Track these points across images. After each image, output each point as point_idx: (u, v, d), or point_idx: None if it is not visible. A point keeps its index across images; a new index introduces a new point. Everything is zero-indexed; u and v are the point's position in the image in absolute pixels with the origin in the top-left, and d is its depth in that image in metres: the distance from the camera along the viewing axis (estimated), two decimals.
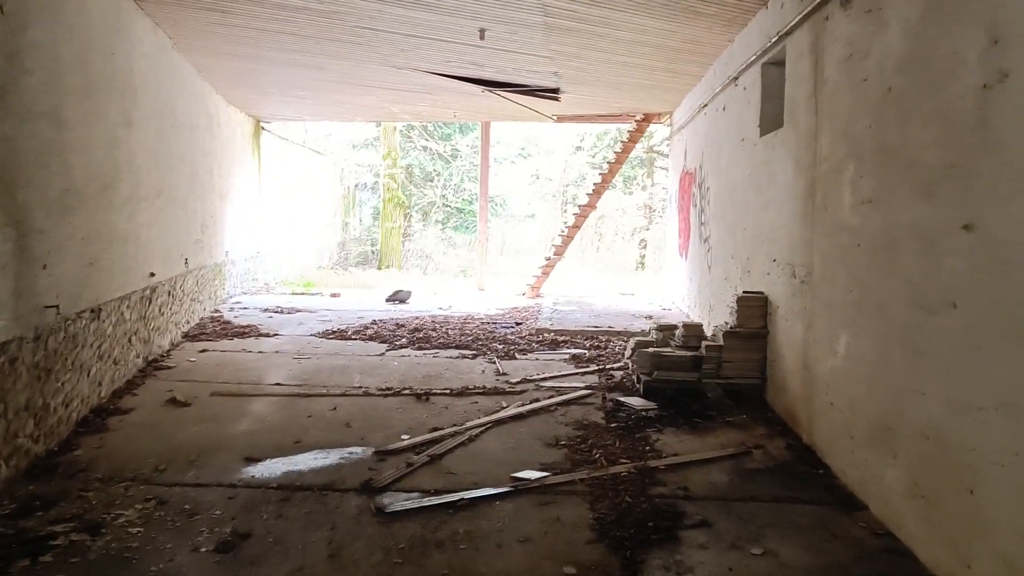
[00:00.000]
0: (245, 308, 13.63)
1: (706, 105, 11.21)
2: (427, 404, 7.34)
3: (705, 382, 7.52)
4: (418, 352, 9.90)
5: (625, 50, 9.69)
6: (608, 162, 16.18)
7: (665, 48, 9.65)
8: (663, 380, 7.52)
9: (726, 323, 8.18)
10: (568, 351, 10.02)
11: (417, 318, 12.67)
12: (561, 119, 16.26)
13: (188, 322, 10.91)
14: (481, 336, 10.92)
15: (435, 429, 6.45)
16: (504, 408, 7.14)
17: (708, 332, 8.54)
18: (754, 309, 7.53)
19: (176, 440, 6.07)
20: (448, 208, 25.59)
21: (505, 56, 10.29)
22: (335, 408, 7.10)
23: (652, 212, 27.99)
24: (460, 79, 11.81)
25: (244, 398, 7.43)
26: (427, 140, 24.61)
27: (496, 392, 7.77)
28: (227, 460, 5.64)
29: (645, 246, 29.21)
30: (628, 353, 8.42)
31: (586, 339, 10.73)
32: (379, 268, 23.09)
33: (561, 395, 7.66)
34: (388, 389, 7.82)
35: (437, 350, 10.06)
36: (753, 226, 8.15)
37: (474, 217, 27.43)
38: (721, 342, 7.56)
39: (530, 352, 9.97)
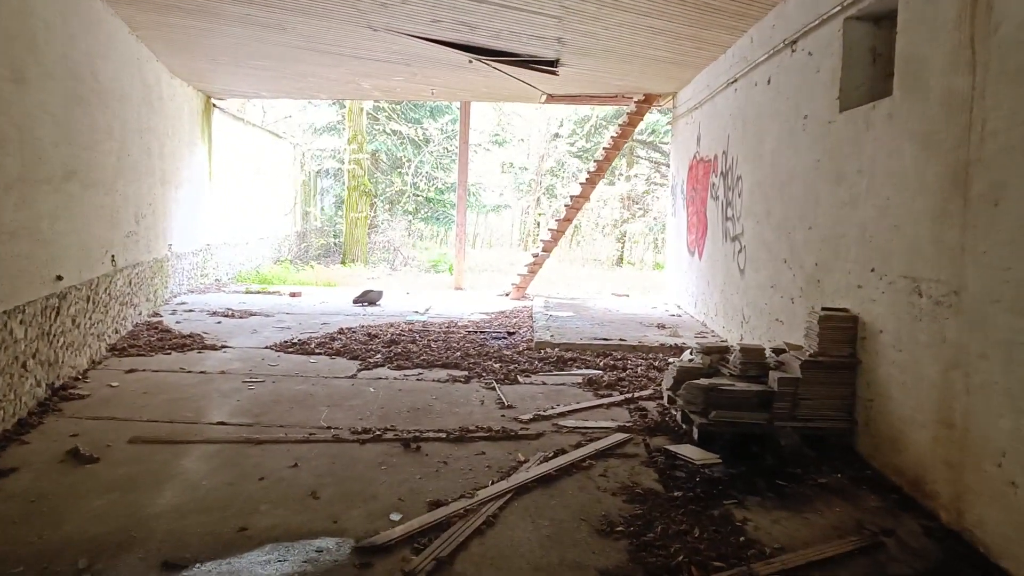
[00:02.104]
0: (190, 311, 11.72)
1: (736, 80, 9.51)
2: (418, 455, 5.56)
3: (777, 425, 5.83)
4: (397, 373, 8.10)
5: (655, 8, 7.94)
6: (604, 148, 14.46)
7: (702, 6, 7.93)
8: (723, 422, 5.82)
9: (788, 345, 6.51)
10: (579, 372, 8.28)
11: (392, 325, 10.84)
12: (551, 99, 14.50)
13: (116, 331, 8.99)
14: (471, 351, 9.14)
15: (436, 503, 4.66)
16: (523, 464, 5.38)
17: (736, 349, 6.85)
18: (840, 332, 5.85)
19: (64, 530, 4.22)
20: (418, 197, 23.73)
21: (506, 15, 8.49)
22: (296, 464, 5.29)
23: (633, 205, 26.39)
24: (447, 45, 9.99)
25: (174, 446, 5.59)
26: (396, 123, 22.71)
27: (506, 436, 6.01)
28: (134, 570, 3.81)
29: (624, 240, 27.63)
30: (668, 383, 6.72)
31: (597, 356, 9.00)
32: (343, 263, 21.19)
33: (590, 440, 5.92)
34: (366, 431, 6.02)
35: (420, 369, 8.27)
36: (827, 225, 6.47)
37: (445, 207, 25.60)
38: (796, 373, 5.87)
39: (534, 373, 8.22)
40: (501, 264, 21.92)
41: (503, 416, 6.57)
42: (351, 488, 4.89)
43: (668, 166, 27.07)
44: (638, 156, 27.09)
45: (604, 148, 14.46)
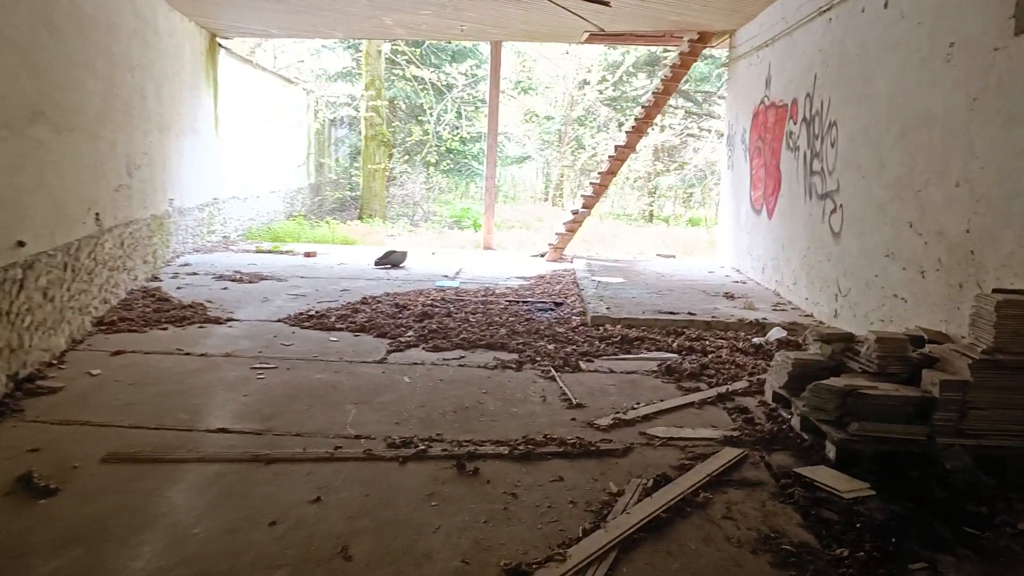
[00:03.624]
0: (194, 274, 10.44)
1: (831, 7, 8.00)
2: (477, 482, 4.26)
3: (940, 442, 4.49)
4: (435, 355, 6.80)
5: None
6: (654, 92, 12.95)
7: None
8: (868, 438, 4.49)
9: (925, 332, 5.18)
10: (650, 356, 6.95)
11: (421, 293, 9.51)
12: (593, 39, 13.00)
13: (105, 302, 7.71)
14: (517, 327, 7.81)
15: (515, 570, 3.36)
16: (617, 497, 4.07)
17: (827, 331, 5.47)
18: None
19: None
20: (440, 148, 22.27)
21: None
22: (319, 498, 3.99)
23: (666, 156, 24.83)
24: None
25: (162, 467, 4.31)
26: (416, 68, 21.15)
27: (585, 451, 4.69)
28: None
29: (656, 195, 26.11)
30: (778, 379, 5.38)
31: (667, 335, 7.66)
32: (360, 218, 19.83)
33: (694, 458, 4.61)
34: (405, 443, 4.71)
35: (462, 351, 6.96)
36: (991, 181, 5.06)
37: (467, 159, 24.14)
38: (963, 373, 4.52)
39: (596, 356, 6.90)
40: (528, 220, 20.52)
41: (574, 420, 5.26)
42: (394, 539, 3.60)
43: (703, 116, 25.55)
44: (670, 105, 25.45)
45: (653, 92, 12.97)
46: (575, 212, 13.20)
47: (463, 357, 6.77)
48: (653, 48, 24.04)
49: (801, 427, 5.02)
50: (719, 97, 24.66)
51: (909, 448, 4.49)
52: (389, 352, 6.86)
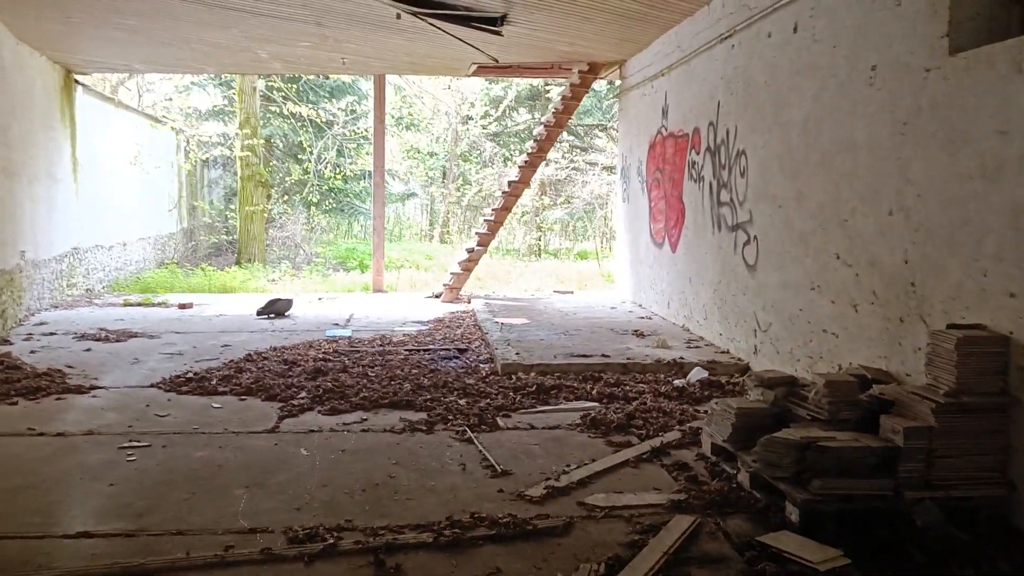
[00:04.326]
0: (51, 334, 9.35)
1: (732, 34, 7.78)
2: None
3: (909, 496, 4.10)
4: (333, 419, 6.07)
5: None
6: (545, 125, 12.59)
7: None
8: (833, 495, 4.05)
9: (867, 370, 4.86)
10: (571, 407, 6.42)
11: (311, 346, 8.73)
12: (480, 71, 12.60)
13: None
14: (422, 379, 7.16)
15: None
16: None
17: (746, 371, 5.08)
18: (987, 360, 4.15)
19: None
20: (321, 187, 21.37)
21: None
22: None
23: (552, 191, 24.64)
24: None
25: None
26: (294, 104, 20.26)
27: (521, 532, 4.07)
28: None
29: (543, 229, 25.87)
30: (720, 431, 4.91)
31: (584, 380, 7.15)
32: (238, 263, 18.72)
33: (643, 531, 4.06)
34: (310, 536, 3.98)
35: (363, 412, 6.25)
36: (931, 209, 4.77)
37: (351, 198, 23.34)
38: (924, 418, 4.14)
39: (513, 411, 6.32)
40: (417, 258, 19.84)
41: (501, 492, 4.63)
42: None
43: (588, 150, 25.55)
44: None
45: (545, 125, 12.60)
46: (470, 250, 12.65)
47: (365, 420, 6.06)
48: (535, 82, 23.97)
49: (751, 484, 4.56)
50: (600, 129, 24.77)
51: (875, 504, 4.08)
52: (281, 418, 6.09)
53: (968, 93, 4.45)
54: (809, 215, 6.29)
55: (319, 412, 6.24)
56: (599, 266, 18.65)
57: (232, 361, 7.92)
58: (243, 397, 6.69)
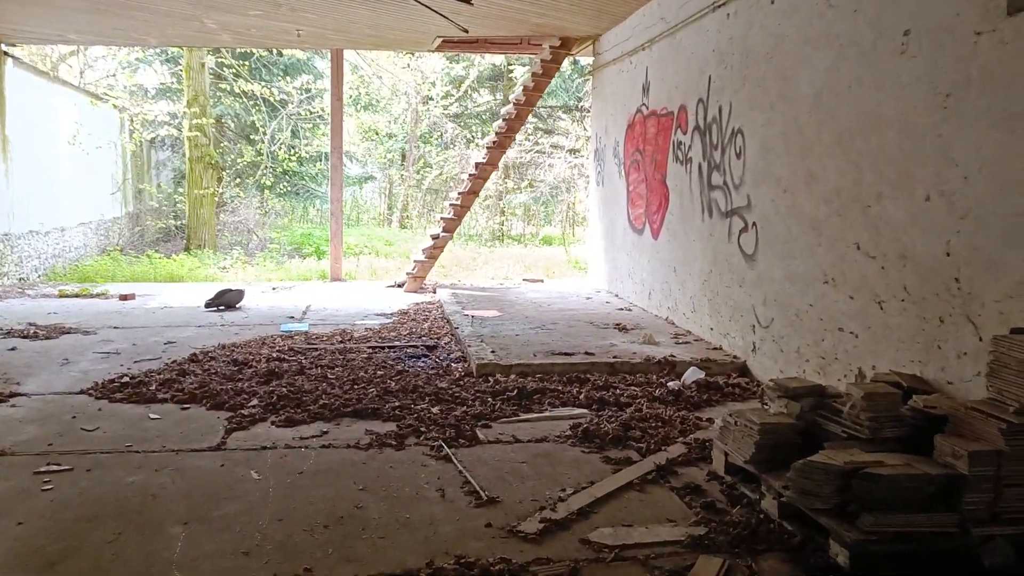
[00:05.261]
0: None
1: (725, 2, 7.11)
2: None
3: (976, 534, 3.47)
4: (289, 432, 5.31)
5: None
6: (515, 103, 11.84)
7: None
8: (888, 533, 3.41)
9: (900, 376, 4.27)
10: (558, 414, 5.73)
11: (264, 343, 7.94)
12: (445, 45, 11.80)
13: None
14: (389, 382, 6.42)
15: None
16: None
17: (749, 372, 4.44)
18: None
19: None
20: (275, 170, 20.39)
21: None
22: None
23: (516, 174, 23.90)
24: None
25: None
26: (246, 82, 19.22)
27: None
28: None
29: (506, 214, 25.11)
30: (740, 450, 4.25)
31: (569, 382, 6.46)
32: (187, 250, 17.73)
33: (656, 572, 3.40)
34: None
35: (323, 423, 5.51)
36: (985, 194, 4.14)
37: (306, 181, 22.37)
38: (993, 441, 3.52)
39: (493, 420, 5.61)
40: (377, 244, 19.00)
41: (489, 527, 3.93)
42: None
43: (552, 132, 24.80)
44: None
45: (515, 104, 11.85)
46: (435, 237, 11.89)
47: (326, 433, 5.31)
48: (498, 62, 23.18)
49: (781, 514, 3.91)
50: (564, 111, 24.04)
51: (938, 544, 3.44)
52: (229, 431, 5.31)
53: None
54: (822, 200, 5.65)
55: (273, 423, 5.48)
56: (566, 253, 17.99)
57: (175, 362, 7.11)
58: (186, 405, 5.89)
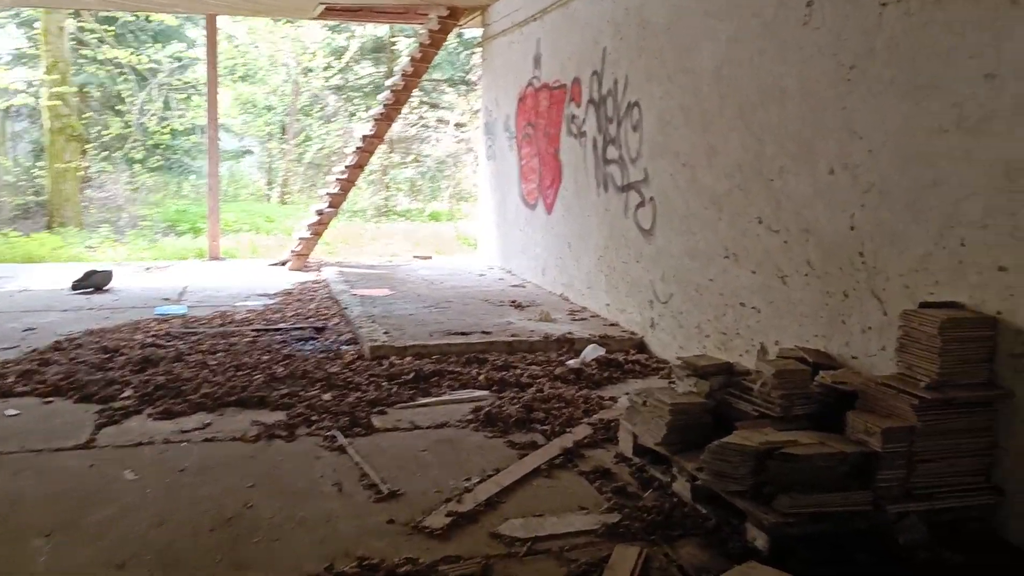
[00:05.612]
0: None
1: None
2: None
3: (891, 511, 3.44)
4: (168, 425, 4.90)
5: None
6: (403, 74, 11.44)
7: None
8: (805, 516, 3.34)
9: (805, 352, 4.25)
10: (457, 397, 5.50)
11: (138, 327, 7.38)
12: (328, 13, 11.32)
13: None
14: (276, 367, 6.03)
15: None
16: None
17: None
18: (971, 346, 3.53)
19: None
20: (146, 143, 19.25)
21: None
22: None
23: (401, 148, 23.39)
24: None
25: None
26: (111, 49, 18.01)
27: None
28: None
29: (391, 189, 24.57)
30: (649, 431, 4.11)
31: (467, 363, 6.23)
32: (49, 228, 16.56)
33: (579, 572, 3.21)
34: None
35: (205, 413, 5.11)
36: (889, 167, 4.11)
37: (180, 155, 21.28)
38: (905, 417, 3.48)
39: (389, 405, 5.33)
40: (256, 221, 18.21)
41: (392, 523, 3.66)
42: None
43: (435, 106, 24.36)
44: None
45: (402, 75, 11.45)
46: (320, 212, 11.41)
47: (209, 425, 4.92)
48: (380, 33, 22.56)
49: (694, 497, 3.81)
50: (449, 84, 23.64)
51: (854, 523, 3.39)
52: (99, 427, 4.85)
53: (941, 30, 3.78)
54: (724, 174, 5.58)
55: (149, 416, 5.04)
56: (455, 229, 17.70)
57: (36, 350, 6.50)
58: (49, 399, 5.36)
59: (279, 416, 5.04)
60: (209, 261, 12.27)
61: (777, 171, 4.99)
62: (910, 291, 3.98)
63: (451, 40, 19.57)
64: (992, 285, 3.54)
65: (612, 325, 7.35)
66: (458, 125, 22.14)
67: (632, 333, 6.97)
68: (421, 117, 22.68)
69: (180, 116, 20.77)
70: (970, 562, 3.33)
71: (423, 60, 11.40)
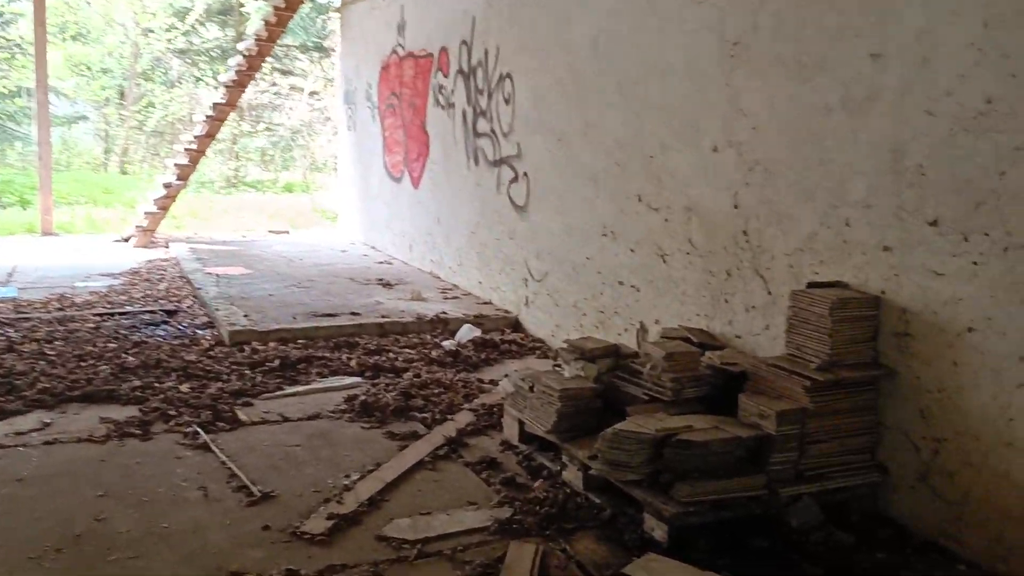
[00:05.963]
0: None
1: None
2: None
3: (784, 494, 3.42)
4: (1, 428, 4.36)
5: None
6: (256, 38, 10.79)
7: None
8: (704, 504, 3.27)
9: (689, 332, 4.23)
10: (328, 384, 5.19)
11: None
12: None
13: None
14: (125, 356, 5.53)
15: None
16: None
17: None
18: (858, 326, 3.54)
19: None
20: None
21: None
22: None
23: (252, 116, 22.36)
24: None
25: None
26: None
27: None
28: None
29: (241, 159, 23.47)
30: (539, 419, 3.94)
31: (337, 348, 5.91)
32: None
33: (473, 574, 3.03)
34: None
35: (45, 412, 4.59)
36: (773, 146, 4.09)
37: (3, 119, 19.55)
38: (803, 400, 3.46)
39: (255, 395, 4.96)
40: (93, 193, 16.94)
41: (267, 529, 3.36)
42: None
43: (288, 73, 23.37)
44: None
45: (255, 38, 10.80)
46: (168, 185, 10.66)
47: (49, 425, 4.42)
48: None
49: (585, 486, 3.69)
50: (302, 51, 22.72)
51: (750, 509, 3.35)
52: None
53: (827, 8, 3.75)
54: (602, 150, 5.46)
55: None
56: (312, 201, 17.06)
57: None
58: None
59: (132, 412, 4.59)
60: (42, 237, 11.27)
61: (658, 148, 4.91)
62: (795, 271, 3.98)
63: (304, 4, 18.78)
64: (876, 265, 3.56)
65: (486, 304, 7.17)
66: (312, 93, 21.34)
67: (507, 312, 6.82)
68: (273, 83, 21.71)
69: (3, 77, 19.05)
70: (860, 543, 3.35)
71: (278, 24, 10.77)
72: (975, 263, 3.17)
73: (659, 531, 3.25)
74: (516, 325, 6.67)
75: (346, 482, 3.79)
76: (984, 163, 3.12)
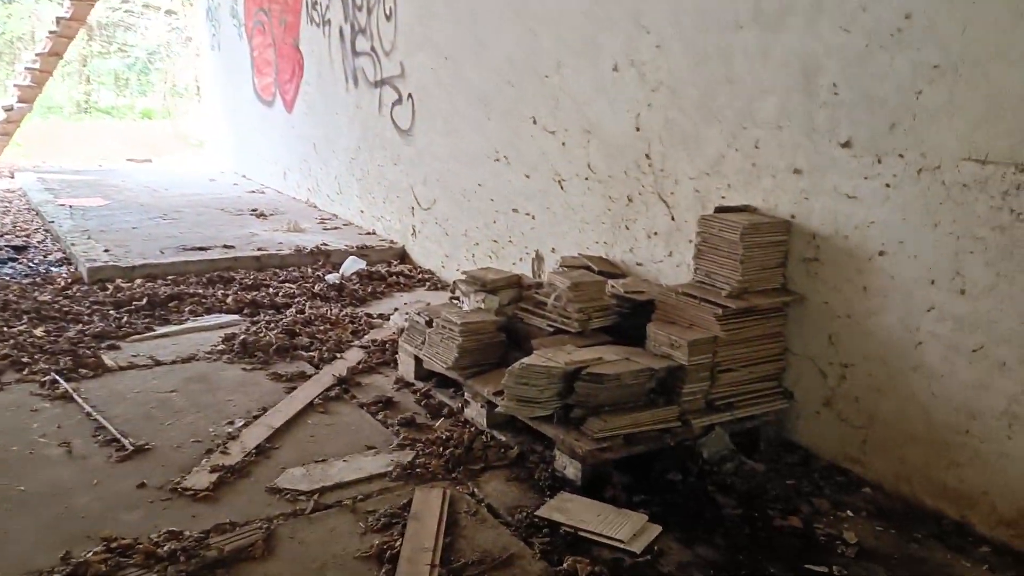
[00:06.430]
0: None
1: None
2: None
3: (696, 425, 3.32)
4: None
5: None
6: None
7: None
8: (619, 436, 3.14)
9: (590, 260, 4.12)
10: (204, 323, 4.80)
11: None
12: None
13: None
14: None
15: None
16: None
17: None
18: (768, 252, 3.45)
19: None
20: None
21: None
22: None
23: (103, 36, 20.71)
24: None
25: None
26: None
27: (200, 565, 2.57)
28: None
29: (90, 83, 21.79)
30: (439, 354, 3.71)
31: (211, 284, 5.49)
32: None
33: (378, 526, 2.81)
34: None
35: None
36: (683, 65, 3.90)
37: None
38: (714, 328, 3.35)
39: (122, 337, 4.53)
40: None
41: (143, 487, 3.03)
42: None
43: None
44: None
45: None
46: (9, 109, 9.70)
47: None
48: None
49: (489, 423, 3.50)
50: None
51: (664, 441, 3.24)
52: None
53: None
54: (493, 70, 5.17)
55: None
56: (173, 128, 16.02)
57: None
58: None
59: None
60: None
61: (554, 67, 4.66)
62: (700, 195, 3.84)
63: None
64: (786, 188, 3.46)
65: (369, 234, 6.84)
66: (169, 12, 19.90)
67: (392, 242, 6.52)
68: (125, 1, 20.10)
69: None
70: (770, 471, 3.30)
71: None
72: (888, 185, 3.09)
73: (572, 469, 3.11)
74: (403, 256, 6.38)
75: (230, 430, 3.47)
76: (900, 82, 3.01)
